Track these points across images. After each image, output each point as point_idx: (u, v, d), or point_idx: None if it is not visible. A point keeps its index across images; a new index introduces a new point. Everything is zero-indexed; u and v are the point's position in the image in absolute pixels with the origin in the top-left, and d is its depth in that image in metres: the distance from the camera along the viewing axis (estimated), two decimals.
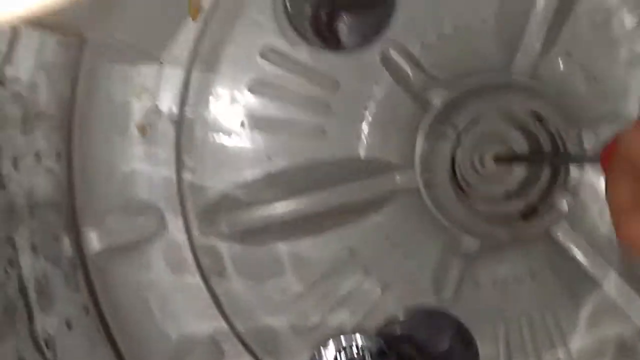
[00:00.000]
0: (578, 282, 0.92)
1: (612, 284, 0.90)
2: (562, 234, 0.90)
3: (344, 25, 0.93)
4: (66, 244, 0.76)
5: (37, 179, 0.69)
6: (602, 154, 0.61)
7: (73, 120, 0.77)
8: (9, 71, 0.74)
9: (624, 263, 0.89)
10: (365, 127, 0.93)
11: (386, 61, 0.91)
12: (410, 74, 0.90)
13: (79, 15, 0.75)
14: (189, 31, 0.89)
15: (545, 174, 0.89)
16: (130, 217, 0.87)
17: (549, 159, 0.89)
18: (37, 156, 0.69)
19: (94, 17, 0.77)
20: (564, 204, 0.88)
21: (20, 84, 0.75)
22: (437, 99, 0.88)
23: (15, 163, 0.65)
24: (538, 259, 0.93)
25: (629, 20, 0.94)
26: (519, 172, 0.91)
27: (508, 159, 0.89)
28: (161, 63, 0.89)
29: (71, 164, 0.76)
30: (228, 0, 0.89)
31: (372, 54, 0.92)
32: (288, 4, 0.91)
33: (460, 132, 0.88)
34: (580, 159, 0.84)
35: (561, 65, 0.93)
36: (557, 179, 0.88)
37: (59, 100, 0.75)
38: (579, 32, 0.93)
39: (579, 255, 0.90)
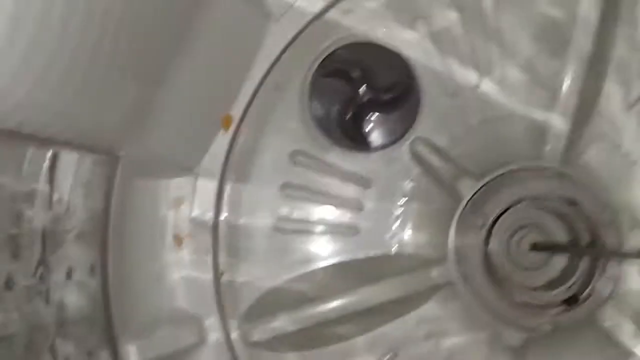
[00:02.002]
0: None
1: None
2: (606, 319, 0.87)
3: (372, 126, 0.94)
4: (103, 358, 0.76)
5: (68, 295, 0.70)
6: None
7: (107, 235, 0.79)
8: (49, 191, 0.78)
9: None
10: (398, 223, 0.93)
11: (415, 156, 0.92)
12: (440, 166, 0.90)
13: (114, 135, 0.79)
14: (220, 142, 0.92)
15: (585, 260, 0.86)
16: (170, 327, 0.88)
17: (589, 252, 0.87)
18: (69, 272, 0.71)
19: (128, 135, 0.80)
20: (605, 289, 0.85)
21: (59, 203, 0.78)
22: (468, 190, 0.88)
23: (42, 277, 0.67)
24: (585, 346, 0.89)
25: None
26: (558, 260, 0.88)
27: (546, 247, 0.87)
28: (196, 175, 0.92)
29: (106, 278, 0.78)
30: (256, 108, 0.93)
31: (401, 151, 0.93)
32: (316, 109, 0.93)
33: (493, 222, 0.87)
34: (622, 254, 0.81)
35: (595, 149, 0.92)
36: (598, 264, 0.85)
37: (94, 216, 0.78)
38: (612, 112, 0.92)
39: (625, 337, 0.87)
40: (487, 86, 0.92)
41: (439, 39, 0.92)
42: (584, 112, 0.91)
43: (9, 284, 0.62)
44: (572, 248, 0.85)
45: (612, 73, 0.92)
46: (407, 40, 0.93)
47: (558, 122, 0.89)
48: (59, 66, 0.59)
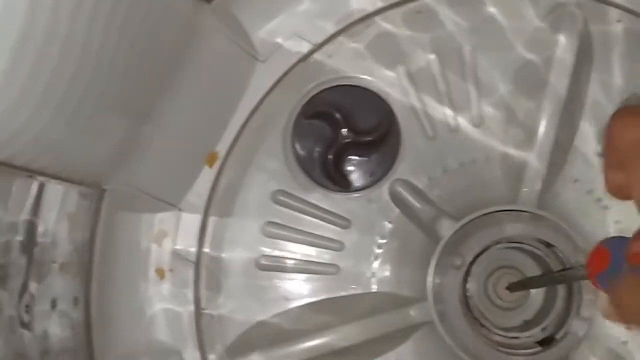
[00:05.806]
0: None
1: None
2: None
3: (352, 167, 0.96)
4: None
5: (51, 325, 0.71)
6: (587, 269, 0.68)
7: (91, 266, 0.79)
8: (35, 222, 0.78)
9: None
10: (377, 263, 0.94)
11: (395, 197, 0.94)
12: (419, 208, 0.92)
13: (101, 169, 0.80)
14: (204, 178, 0.94)
15: (561, 300, 0.88)
16: None
17: (556, 279, 0.89)
18: (53, 302, 0.72)
19: (115, 169, 0.81)
20: (580, 330, 0.86)
21: (45, 235, 0.79)
22: (446, 231, 0.89)
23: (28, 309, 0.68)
24: None
25: None
26: (533, 300, 0.90)
27: (521, 286, 0.89)
28: (179, 210, 0.93)
29: (89, 309, 0.78)
30: (241, 147, 0.95)
31: (380, 192, 0.95)
32: (298, 150, 0.95)
33: (471, 262, 0.89)
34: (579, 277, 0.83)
35: (568, 193, 0.94)
36: (572, 305, 0.87)
37: (78, 247, 0.79)
38: (586, 156, 0.95)
39: None
40: (465, 128, 0.95)
41: (418, 81, 0.95)
42: (560, 154, 0.93)
43: None
44: (545, 277, 0.87)
45: (586, 117, 0.94)
46: (388, 83, 0.95)
47: (534, 165, 0.91)
48: (52, 103, 0.60)
